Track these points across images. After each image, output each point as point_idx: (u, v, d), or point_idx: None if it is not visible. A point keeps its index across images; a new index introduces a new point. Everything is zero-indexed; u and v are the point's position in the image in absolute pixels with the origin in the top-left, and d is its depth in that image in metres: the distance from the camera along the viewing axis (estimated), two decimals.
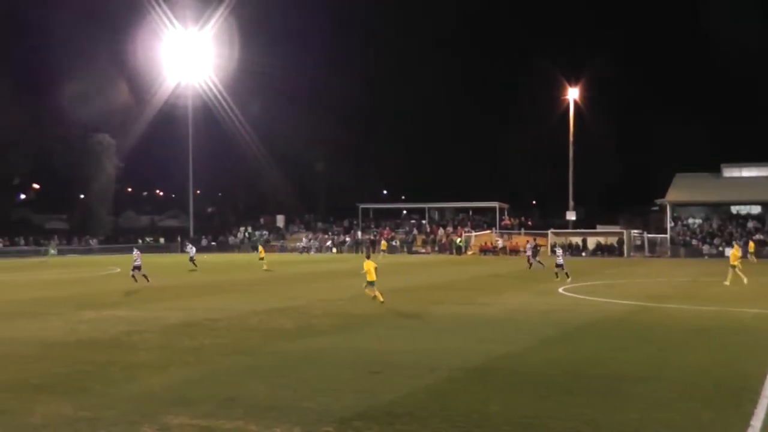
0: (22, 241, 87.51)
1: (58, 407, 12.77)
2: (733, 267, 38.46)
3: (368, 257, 31.20)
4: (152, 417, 12.02)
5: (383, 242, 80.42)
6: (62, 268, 57.00)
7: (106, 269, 54.59)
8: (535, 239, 70.54)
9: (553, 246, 57.94)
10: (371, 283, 28.99)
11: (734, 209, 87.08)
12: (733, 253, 40.00)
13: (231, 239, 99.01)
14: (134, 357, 17.70)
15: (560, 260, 41.52)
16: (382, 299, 28.30)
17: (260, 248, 62.24)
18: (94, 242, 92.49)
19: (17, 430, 11.41)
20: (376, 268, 28.93)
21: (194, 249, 58.91)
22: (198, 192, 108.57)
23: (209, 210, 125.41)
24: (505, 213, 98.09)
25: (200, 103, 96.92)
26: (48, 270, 54.86)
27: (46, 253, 62.13)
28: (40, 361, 17.11)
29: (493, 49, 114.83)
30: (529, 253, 55.27)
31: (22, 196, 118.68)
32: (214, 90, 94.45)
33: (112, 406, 12.78)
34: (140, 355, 17.91)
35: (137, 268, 39.05)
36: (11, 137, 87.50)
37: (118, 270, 53.84)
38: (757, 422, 11.81)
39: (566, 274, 40.92)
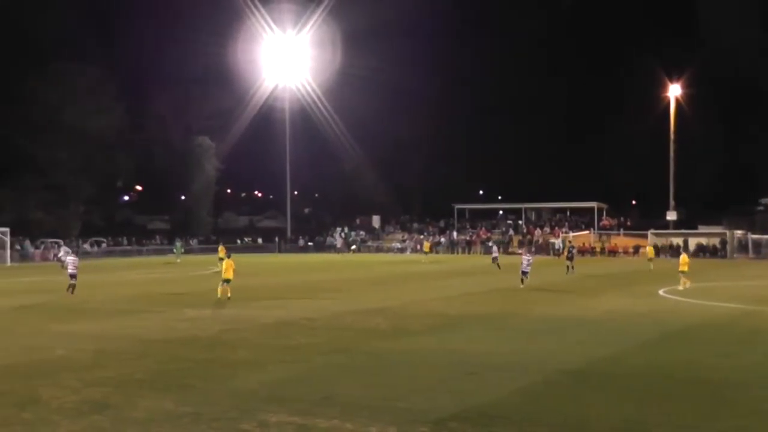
0: (125, 241, 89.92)
1: (160, 402, 13.08)
2: None
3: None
4: (251, 414, 12.21)
5: (426, 243, 79.31)
6: (163, 268, 58.39)
7: (206, 268, 55.65)
8: (569, 240, 68.78)
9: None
10: None
11: None
12: None
13: (327, 240, 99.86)
14: (233, 355, 18.01)
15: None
16: None
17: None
18: (194, 242, 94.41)
19: (122, 424, 11.72)
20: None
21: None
22: (295, 193, 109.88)
23: (306, 211, 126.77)
24: (604, 213, 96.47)
25: (297, 105, 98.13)
26: (150, 269, 56.27)
27: (177, 252, 63.98)
28: (142, 358, 17.56)
29: (592, 46, 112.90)
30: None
31: (126, 198, 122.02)
32: (311, 92, 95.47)
33: (213, 403, 13.03)
34: (239, 353, 18.21)
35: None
36: (116, 140, 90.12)
37: (217, 269, 54.82)
38: None
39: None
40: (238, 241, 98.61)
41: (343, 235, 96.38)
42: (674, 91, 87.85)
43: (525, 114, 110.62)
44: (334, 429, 11.38)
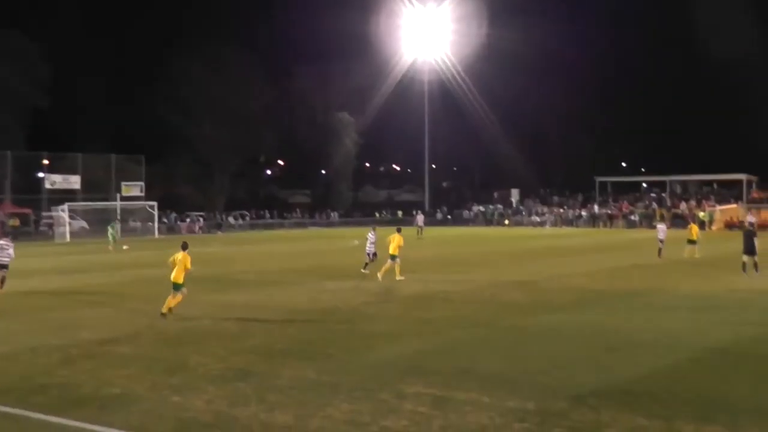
0: (267, 215, 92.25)
1: (302, 371, 13.38)
2: None
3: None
4: (389, 385, 12.33)
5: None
6: (304, 241, 59.60)
7: (346, 242, 56.46)
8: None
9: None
10: None
11: None
12: None
13: (465, 213, 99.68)
14: (372, 326, 18.23)
15: None
16: None
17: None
18: (334, 216, 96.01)
19: (264, 391, 12.03)
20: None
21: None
22: (434, 166, 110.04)
23: (445, 184, 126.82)
24: (754, 185, 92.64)
25: (436, 79, 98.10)
26: (291, 242, 57.52)
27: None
28: (286, 328, 18.00)
29: (736, 9, 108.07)
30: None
31: (269, 172, 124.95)
32: (450, 65, 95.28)
33: (352, 373, 13.23)
34: (378, 325, 18.42)
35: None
36: (260, 117, 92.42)
37: (357, 242, 55.55)
38: None
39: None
40: (377, 215, 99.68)
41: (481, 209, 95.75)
42: None
43: (669, 84, 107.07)
44: (471, 402, 11.37)
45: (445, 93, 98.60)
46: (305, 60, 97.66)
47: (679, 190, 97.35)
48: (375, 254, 31.06)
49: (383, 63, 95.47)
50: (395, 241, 29.05)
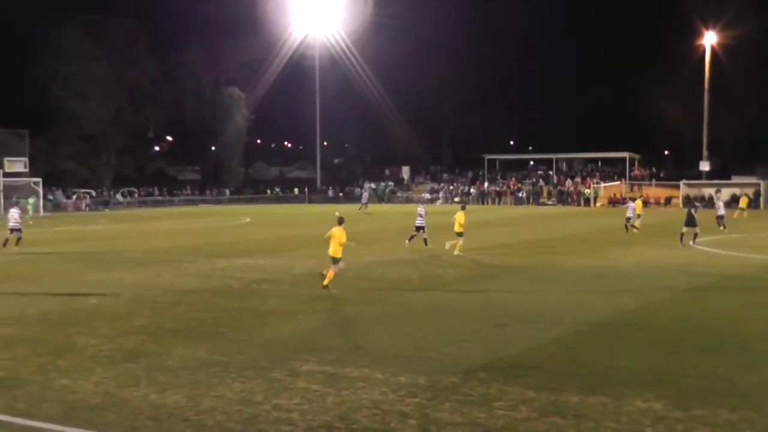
0: (156, 192, 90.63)
1: (193, 351, 13.25)
2: None
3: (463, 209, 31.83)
4: (282, 363, 12.33)
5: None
6: (195, 218, 58.81)
7: (237, 219, 56.01)
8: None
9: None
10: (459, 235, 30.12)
11: None
12: None
13: (357, 190, 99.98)
14: (264, 304, 18.16)
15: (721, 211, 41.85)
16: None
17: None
18: (225, 193, 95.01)
19: (156, 371, 11.88)
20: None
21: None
22: (325, 144, 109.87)
23: (336, 161, 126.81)
24: (636, 163, 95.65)
25: (327, 56, 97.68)
26: (181, 219, 56.68)
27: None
28: (176, 307, 17.75)
29: None
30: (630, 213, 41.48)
31: (157, 148, 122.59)
32: (341, 41, 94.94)
33: (244, 352, 13.16)
34: (270, 303, 18.36)
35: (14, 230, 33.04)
36: (147, 92, 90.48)
37: (248, 220, 55.19)
38: None
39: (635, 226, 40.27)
40: (268, 192, 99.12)
41: (372, 186, 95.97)
42: (710, 39, 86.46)
43: (557, 64, 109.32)
44: (364, 378, 11.47)
45: (336, 70, 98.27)
46: (193, 33, 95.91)
47: (565, 167, 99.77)
48: (421, 228, 32.55)
49: (274, 38, 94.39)
50: (459, 218, 30.53)
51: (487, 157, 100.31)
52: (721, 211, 42.08)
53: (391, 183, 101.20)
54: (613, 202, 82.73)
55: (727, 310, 17.68)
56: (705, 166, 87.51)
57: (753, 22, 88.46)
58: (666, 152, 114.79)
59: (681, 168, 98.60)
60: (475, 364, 12.28)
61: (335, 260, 20.51)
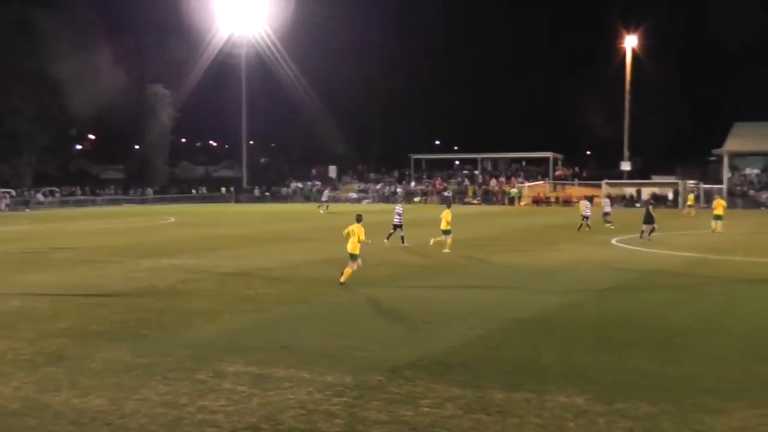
0: (79, 191, 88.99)
1: (116, 353, 13.03)
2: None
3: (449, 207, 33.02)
4: (207, 364, 12.21)
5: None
6: (118, 218, 57.88)
7: (162, 219, 55.30)
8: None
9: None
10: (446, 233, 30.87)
11: None
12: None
13: (284, 190, 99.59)
14: (190, 305, 17.95)
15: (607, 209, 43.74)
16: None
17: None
18: (149, 192, 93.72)
19: (78, 375, 11.65)
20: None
21: None
22: (251, 143, 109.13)
23: (263, 160, 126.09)
24: (559, 163, 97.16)
25: (254, 54, 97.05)
26: (105, 219, 55.74)
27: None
28: (99, 309, 17.43)
29: None
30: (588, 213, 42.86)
31: (79, 147, 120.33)
32: (268, 41, 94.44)
33: (169, 353, 12.99)
34: (196, 303, 18.16)
35: None
36: (71, 88, 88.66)
37: (173, 219, 54.57)
38: None
39: (588, 226, 41.12)
40: (193, 191, 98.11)
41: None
42: (630, 42, 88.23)
43: (481, 64, 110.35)
44: (290, 378, 11.42)
45: (263, 68, 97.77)
46: (118, 30, 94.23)
47: (489, 167, 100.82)
48: (399, 226, 32.95)
49: (200, 36, 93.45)
50: (446, 216, 31.22)
51: (414, 156, 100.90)
52: (608, 208, 43.21)
53: (318, 182, 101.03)
54: (537, 201, 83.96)
55: (649, 306, 18.06)
56: (626, 166, 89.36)
57: (673, 26, 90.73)
58: (588, 152, 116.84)
59: (603, 168, 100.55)
60: (402, 362, 12.33)
61: (354, 257, 20.77)
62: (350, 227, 21.08)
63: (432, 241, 31.77)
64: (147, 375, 11.63)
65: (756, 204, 75.05)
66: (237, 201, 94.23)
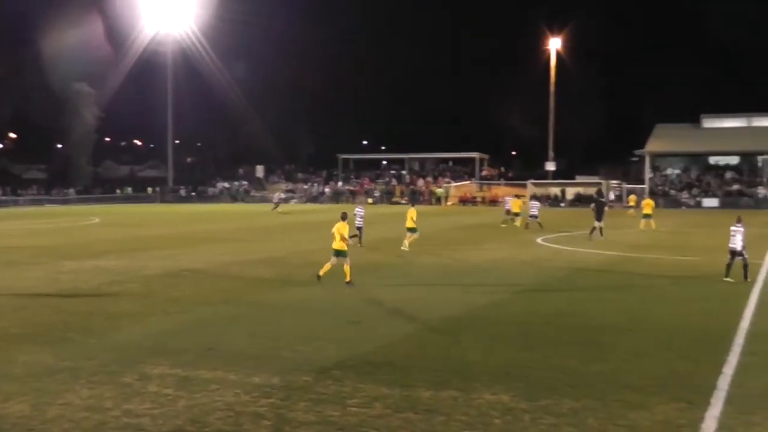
0: (0, 191, 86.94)
1: (39, 357, 12.78)
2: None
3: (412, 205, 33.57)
4: (132, 366, 12.05)
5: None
6: (41, 218, 56.70)
7: (86, 219, 54.34)
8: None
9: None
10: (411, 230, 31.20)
11: (713, 160, 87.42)
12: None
13: (210, 190, 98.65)
14: (116, 307, 17.69)
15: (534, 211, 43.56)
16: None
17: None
18: (72, 192, 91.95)
19: None
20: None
21: None
22: (177, 142, 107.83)
23: (189, 160, 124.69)
24: (485, 163, 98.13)
25: (180, 53, 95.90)
26: (27, 220, 54.56)
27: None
28: (21, 311, 17.08)
29: None
30: (534, 211, 44.27)
31: (0, 146, 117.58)
32: (195, 39, 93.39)
33: (93, 356, 12.80)
34: (122, 305, 17.90)
35: None
36: None
37: (97, 220, 53.70)
38: (729, 369, 12.02)
39: (540, 224, 41.77)
40: (118, 191, 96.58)
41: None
42: (554, 44, 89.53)
43: (408, 65, 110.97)
44: (217, 380, 11.35)
45: (189, 67, 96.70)
46: (41, 27, 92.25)
47: (417, 167, 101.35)
48: (360, 228, 32.72)
49: (125, 34, 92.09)
50: (412, 214, 31.59)
51: (342, 156, 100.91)
52: (534, 210, 43.71)
53: (245, 182, 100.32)
54: (464, 201, 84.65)
55: (573, 304, 18.37)
56: (550, 166, 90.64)
57: (596, 29, 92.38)
58: (513, 153, 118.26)
59: (528, 168, 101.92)
60: (329, 362, 12.35)
61: (342, 253, 21.08)
62: (336, 225, 21.41)
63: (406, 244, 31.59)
64: (71, 379, 11.44)
65: (677, 203, 76.81)
66: (163, 201, 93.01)
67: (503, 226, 44.07)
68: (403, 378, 11.43)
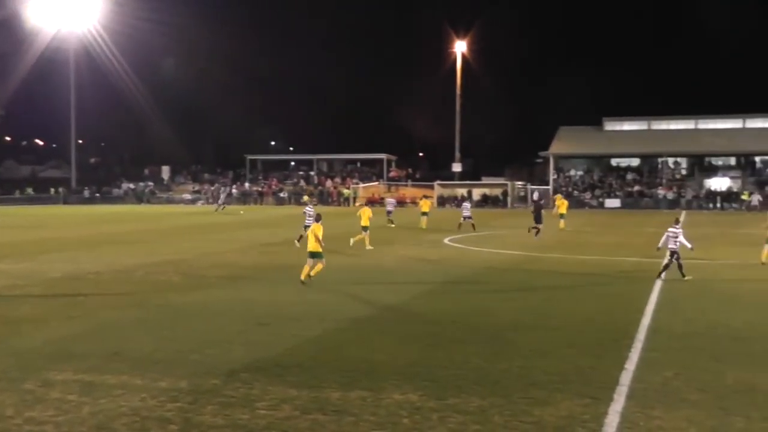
0: None
1: None
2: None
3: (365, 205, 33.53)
4: (35, 373, 11.76)
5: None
6: None
7: None
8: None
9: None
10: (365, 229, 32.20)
11: (614, 161, 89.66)
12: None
13: (115, 191, 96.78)
14: (16, 312, 17.22)
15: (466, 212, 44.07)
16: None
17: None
18: None
19: None
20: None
21: None
22: (81, 142, 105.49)
23: (93, 160, 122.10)
24: (393, 165, 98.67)
25: (83, 51, 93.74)
26: None
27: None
28: None
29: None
30: (466, 213, 44.68)
31: None
32: (98, 38, 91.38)
33: None
34: (23, 310, 17.44)
35: None
36: None
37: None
38: (630, 365, 12.38)
39: (473, 225, 42.45)
40: (17, 192, 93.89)
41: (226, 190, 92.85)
42: (460, 47, 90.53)
43: (316, 66, 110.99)
44: (123, 385, 11.16)
45: (93, 66, 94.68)
46: None
47: (325, 168, 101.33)
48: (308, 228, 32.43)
49: (26, 31, 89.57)
50: (366, 213, 32.71)
51: (249, 157, 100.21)
52: (466, 212, 44.12)
53: (150, 183, 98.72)
54: (372, 202, 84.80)
55: (478, 302, 18.64)
56: (457, 168, 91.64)
57: (501, 33, 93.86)
58: (421, 154, 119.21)
59: (435, 169, 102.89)
60: (238, 364, 12.27)
61: (317, 255, 21.32)
62: (311, 227, 21.73)
63: (352, 241, 32.68)
64: None
65: (580, 204, 78.43)
66: (66, 202, 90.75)
67: (391, 225, 44.47)
68: (312, 379, 11.44)
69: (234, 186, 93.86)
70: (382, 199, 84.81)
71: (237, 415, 9.85)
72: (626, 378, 11.62)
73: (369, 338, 14.48)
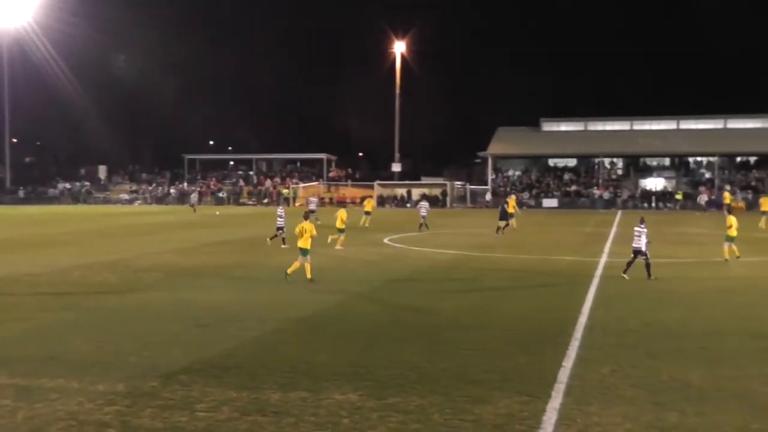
0: None
1: None
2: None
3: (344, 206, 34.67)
4: None
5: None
6: None
7: None
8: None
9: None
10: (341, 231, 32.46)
11: (552, 162, 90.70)
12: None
13: (51, 191, 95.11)
14: None
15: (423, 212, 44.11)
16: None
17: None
18: None
19: None
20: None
21: None
22: (14, 141, 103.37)
23: (27, 160, 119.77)
24: (333, 164, 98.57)
25: (17, 48, 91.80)
26: None
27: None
28: None
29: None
30: (423, 212, 44.85)
31: None
32: (33, 35, 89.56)
33: None
34: None
35: None
36: None
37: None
38: (568, 362, 12.58)
39: (426, 225, 42.75)
40: None
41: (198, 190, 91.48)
42: (399, 47, 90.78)
43: (255, 66, 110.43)
44: (59, 389, 11.01)
45: (27, 63, 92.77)
46: None
47: (264, 168, 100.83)
48: (281, 229, 32.86)
49: None
50: (342, 215, 32.89)
51: (187, 156, 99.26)
52: (424, 212, 44.15)
53: (87, 183, 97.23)
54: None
55: (417, 301, 18.73)
56: (397, 168, 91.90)
57: (440, 34, 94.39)
58: (360, 154, 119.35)
59: (375, 169, 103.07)
60: (176, 366, 12.18)
61: (305, 252, 21.82)
62: (301, 225, 21.97)
63: (330, 239, 33.02)
64: None
65: (518, 204, 78.85)
66: (0, 203, 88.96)
67: (318, 223, 44.51)
68: (252, 381, 11.41)
69: (172, 186, 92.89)
70: (322, 198, 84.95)
71: (176, 418, 9.79)
72: (564, 375, 11.80)
73: (309, 339, 14.47)
